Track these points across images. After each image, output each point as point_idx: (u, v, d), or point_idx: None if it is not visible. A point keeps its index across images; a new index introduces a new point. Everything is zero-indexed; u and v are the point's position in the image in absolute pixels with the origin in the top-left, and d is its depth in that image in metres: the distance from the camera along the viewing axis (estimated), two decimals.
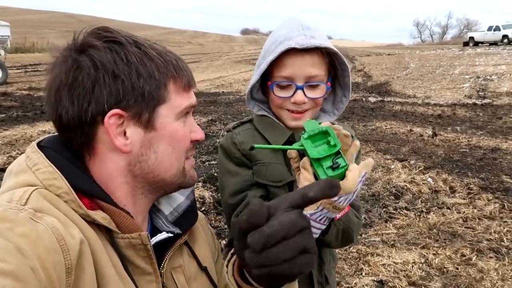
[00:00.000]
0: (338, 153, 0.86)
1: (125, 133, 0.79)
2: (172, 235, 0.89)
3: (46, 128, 7.53)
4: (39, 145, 0.80)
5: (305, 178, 0.88)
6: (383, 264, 3.11)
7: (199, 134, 0.90)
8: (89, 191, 0.76)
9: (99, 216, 0.74)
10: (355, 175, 0.85)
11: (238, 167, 1.25)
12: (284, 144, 1.19)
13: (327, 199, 0.87)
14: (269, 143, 1.21)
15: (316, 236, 0.98)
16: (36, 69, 21.35)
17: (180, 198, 0.95)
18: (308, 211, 0.92)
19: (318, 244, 1.15)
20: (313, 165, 0.87)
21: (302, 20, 1.18)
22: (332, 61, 1.19)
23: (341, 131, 0.89)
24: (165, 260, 0.87)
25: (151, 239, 0.83)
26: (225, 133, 1.32)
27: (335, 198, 0.87)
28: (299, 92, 1.14)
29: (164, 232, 0.89)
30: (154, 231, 0.91)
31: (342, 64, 1.20)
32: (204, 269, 0.97)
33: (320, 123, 0.89)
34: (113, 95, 0.76)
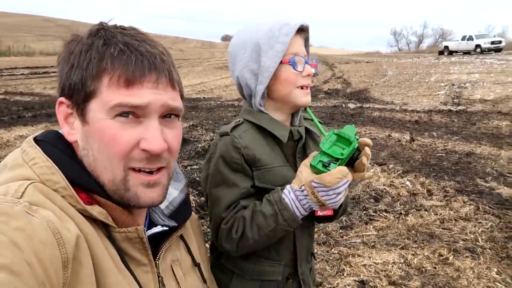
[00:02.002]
0: (338, 159, 1.08)
1: (71, 122, 0.80)
2: (167, 228, 0.89)
3: (23, 133, 7.35)
4: (35, 139, 0.80)
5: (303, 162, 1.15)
6: (364, 265, 3.17)
7: (149, 144, 0.75)
8: (86, 186, 0.76)
9: (96, 211, 0.74)
10: (334, 174, 1.06)
11: (236, 174, 1.19)
12: (288, 140, 1.26)
13: (309, 183, 1.08)
14: (276, 138, 1.23)
15: (299, 215, 1.14)
16: (12, 73, 20.85)
17: (174, 192, 0.95)
18: (294, 185, 1.12)
19: (310, 221, 1.31)
20: (318, 153, 1.10)
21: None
22: None
23: (366, 141, 1.12)
24: (161, 252, 0.87)
25: (146, 232, 0.83)
26: (219, 137, 1.24)
27: (315, 185, 1.07)
28: (307, 65, 1.23)
29: (159, 226, 0.89)
30: (150, 224, 0.91)
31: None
32: (197, 265, 0.98)
33: (356, 134, 1.10)
34: (59, 83, 0.79)
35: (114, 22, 0.82)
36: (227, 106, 11.51)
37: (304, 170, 1.11)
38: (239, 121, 1.26)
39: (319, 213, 1.17)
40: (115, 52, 0.74)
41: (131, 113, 0.75)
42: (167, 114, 0.80)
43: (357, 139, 1.10)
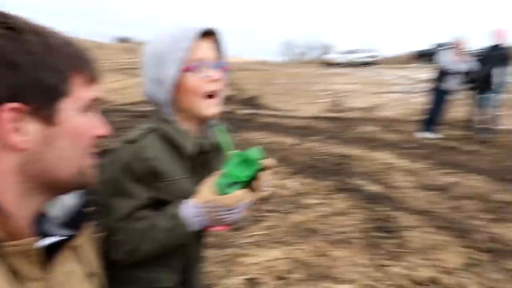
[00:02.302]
0: (238, 182, 1.12)
1: (22, 129, 0.72)
2: (62, 238, 0.84)
3: None
4: None
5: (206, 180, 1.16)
6: (253, 263, 3.33)
7: (104, 130, 0.85)
8: None
9: None
10: (232, 197, 1.10)
11: (137, 185, 1.15)
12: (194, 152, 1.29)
13: (207, 202, 1.12)
14: (179, 151, 1.20)
15: (192, 230, 1.16)
16: None
17: (69, 199, 0.90)
18: (192, 202, 1.14)
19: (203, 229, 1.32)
20: (221, 174, 1.14)
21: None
22: None
23: (269, 163, 1.16)
24: (55, 264, 0.83)
25: (39, 243, 0.78)
26: (124, 144, 1.19)
27: (212, 204, 1.11)
28: (213, 70, 1.19)
29: (53, 236, 0.84)
30: (42, 234, 0.84)
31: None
32: (92, 275, 0.95)
33: (260, 154, 1.15)
34: (10, 87, 0.70)
35: None
36: (120, 110, 11.00)
37: (205, 188, 1.13)
38: (146, 129, 1.20)
39: (214, 228, 1.19)
40: (77, 51, 0.79)
41: (91, 108, 0.82)
42: None
43: (262, 157, 1.14)
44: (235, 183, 1.12)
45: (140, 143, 1.16)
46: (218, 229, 1.20)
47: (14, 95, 0.70)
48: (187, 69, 1.16)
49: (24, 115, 0.71)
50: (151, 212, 1.17)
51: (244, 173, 1.12)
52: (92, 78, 0.82)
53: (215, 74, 1.19)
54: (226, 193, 1.11)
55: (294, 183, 5.30)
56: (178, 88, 1.18)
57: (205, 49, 1.19)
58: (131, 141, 1.17)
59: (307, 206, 4.58)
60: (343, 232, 3.93)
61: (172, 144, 1.20)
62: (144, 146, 1.15)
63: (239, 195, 1.11)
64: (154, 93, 1.21)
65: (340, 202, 4.69)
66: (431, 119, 8.64)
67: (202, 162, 1.27)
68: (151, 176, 1.15)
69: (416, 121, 9.46)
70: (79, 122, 0.78)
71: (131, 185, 1.14)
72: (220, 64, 1.23)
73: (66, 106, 0.76)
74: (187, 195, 1.16)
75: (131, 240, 1.14)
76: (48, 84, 0.73)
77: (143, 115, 10.01)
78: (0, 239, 0.70)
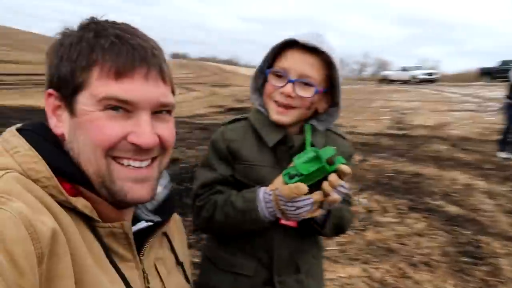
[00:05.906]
0: (301, 176, 1.10)
1: (60, 116, 0.78)
2: (151, 223, 0.88)
3: None
4: (18, 129, 0.77)
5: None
6: (329, 278, 3.21)
7: (138, 138, 0.74)
8: (72, 177, 0.73)
9: (80, 203, 0.71)
10: (291, 188, 1.08)
11: (219, 161, 1.29)
12: (277, 143, 1.25)
13: (275, 190, 1.14)
14: (263, 140, 1.26)
15: (264, 218, 1.18)
16: None
17: (158, 188, 0.91)
18: (267, 188, 1.19)
19: (299, 233, 1.28)
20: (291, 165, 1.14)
21: (319, 30, 1.26)
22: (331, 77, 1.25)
23: (343, 169, 1.10)
24: (145, 248, 0.85)
25: (132, 226, 0.82)
26: (221, 126, 1.35)
27: (277, 193, 1.13)
28: (289, 84, 1.20)
29: (143, 221, 0.88)
30: (133, 219, 0.88)
31: (336, 86, 1.27)
32: (180, 264, 0.98)
33: (333, 154, 1.10)
34: (49, 75, 0.77)
35: (105, 18, 0.81)
36: (183, 122, 11.36)
37: (279, 177, 1.17)
38: (241, 116, 1.35)
39: (283, 221, 1.21)
40: (106, 44, 0.73)
41: (122, 108, 0.73)
42: (159, 110, 0.78)
43: (341, 162, 1.10)
44: (296, 176, 1.10)
45: (227, 126, 1.32)
46: (286, 223, 1.21)
47: (50, 83, 0.77)
48: (271, 72, 1.24)
49: (60, 102, 0.77)
50: (230, 190, 1.27)
51: (307, 168, 1.10)
52: (118, 72, 0.72)
53: (287, 88, 1.19)
54: (287, 184, 1.11)
55: (363, 200, 5.11)
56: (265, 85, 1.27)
57: (296, 62, 1.20)
58: (223, 124, 1.34)
59: (381, 224, 4.38)
60: (424, 254, 3.70)
61: (256, 134, 1.28)
62: (228, 129, 1.31)
63: (293, 187, 1.08)
64: (252, 83, 1.33)
65: (415, 222, 4.44)
66: (507, 138, 8.05)
67: (287, 155, 1.26)
68: (230, 156, 1.28)
69: (492, 140, 8.89)
70: (93, 118, 0.72)
71: (214, 160, 1.29)
72: (301, 80, 1.20)
73: (83, 99, 0.73)
74: (263, 182, 1.22)
75: (208, 208, 1.25)
76: (63, 74, 0.75)
77: (205, 128, 10.23)
78: (93, 219, 0.73)
